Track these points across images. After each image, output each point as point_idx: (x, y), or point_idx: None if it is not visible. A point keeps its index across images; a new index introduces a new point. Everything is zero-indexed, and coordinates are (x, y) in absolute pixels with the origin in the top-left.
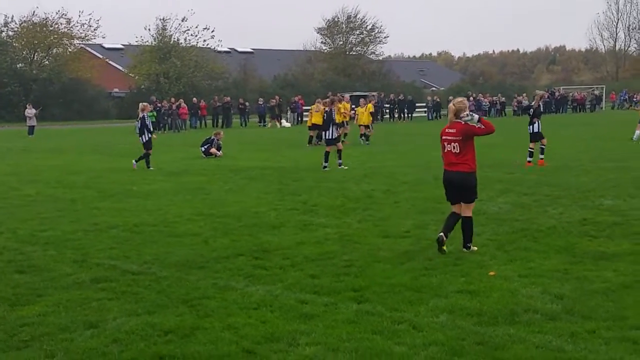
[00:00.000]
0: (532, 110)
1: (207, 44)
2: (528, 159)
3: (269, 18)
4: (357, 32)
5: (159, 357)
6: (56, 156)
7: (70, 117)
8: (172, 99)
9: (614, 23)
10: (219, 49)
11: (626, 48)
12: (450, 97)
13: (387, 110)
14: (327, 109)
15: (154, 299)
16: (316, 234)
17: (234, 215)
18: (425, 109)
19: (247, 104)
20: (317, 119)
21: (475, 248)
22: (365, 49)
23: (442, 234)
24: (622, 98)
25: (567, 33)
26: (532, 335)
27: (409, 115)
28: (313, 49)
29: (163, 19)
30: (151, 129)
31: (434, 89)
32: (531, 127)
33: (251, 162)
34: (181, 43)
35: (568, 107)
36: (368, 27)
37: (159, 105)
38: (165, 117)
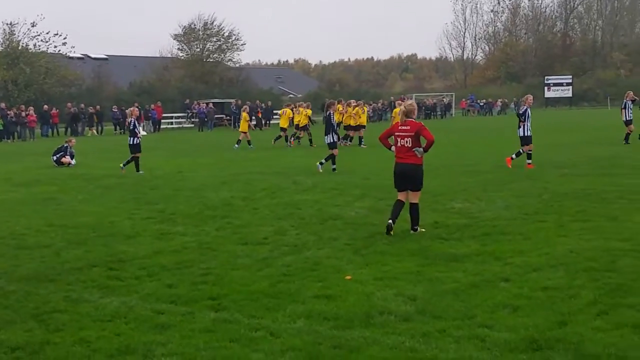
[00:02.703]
0: (520, 114)
1: (59, 50)
2: (527, 160)
3: (123, 24)
4: (214, 39)
5: None
6: None
7: None
8: (22, 107)
9: (462, 33)
10: (72, 55)
11: (473, 57)
12: (393, 98)
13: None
14: (326, 112)
15: (1, 315)
16: (173, 242)
17: (87, 226)
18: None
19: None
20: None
21: (423, 230)
22: (223, 56)
23: (390, 221)
24: (470, 104)
25: (418, 42)
26: (387, 336)
27: (267, 122)
28: (170, 55)
29: (10, 23)
30: (138, 134)
31: (291, 95)
32: (519, 130)
33: (107, 170)
34: (30, 49)
35: (420, 113)
36: (225, 34)
37: (7, 112)
38: (14, 126)
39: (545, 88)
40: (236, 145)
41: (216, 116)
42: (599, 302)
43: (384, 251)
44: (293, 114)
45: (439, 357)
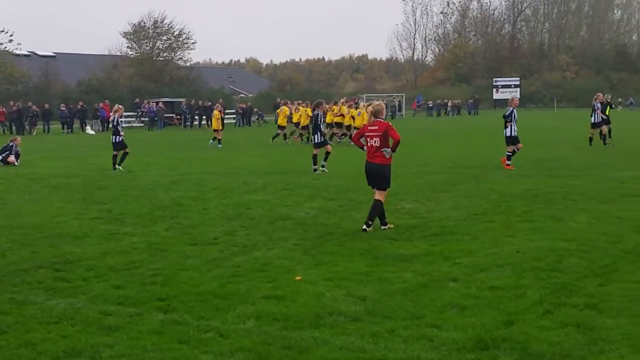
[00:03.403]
0: (506, 115)
1: (5, 47)
2: (507, 162)
3: (71, 21)
4: (165, 38)
5: None
6: None
7: None
8: None
9: (412, 34)
10: (18, 52)
11: (423, 58)
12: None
13: (197, 117)
14: (314, 112)
15: None
16: (122, 243)
17: (33, 226)
18: (235, 116)
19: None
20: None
21: (370, 230)
22: (173, 54)
23: (381, 226)
24: (419, 104)
25: (369, 43)
26: (336, 337)
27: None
28: (119, 53)
29: None
30: (120, 132)
31: (242, 95)
32: (505, 130)
33: (53, 170)
34: None
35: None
36: (175, 33)
37: None
38: None
39: (494, 90)
40: (218, 145)
41: (166, 115)
42: (544, 301)
43: (334, 251)
44: (290, 111)
45: (387, 357)
